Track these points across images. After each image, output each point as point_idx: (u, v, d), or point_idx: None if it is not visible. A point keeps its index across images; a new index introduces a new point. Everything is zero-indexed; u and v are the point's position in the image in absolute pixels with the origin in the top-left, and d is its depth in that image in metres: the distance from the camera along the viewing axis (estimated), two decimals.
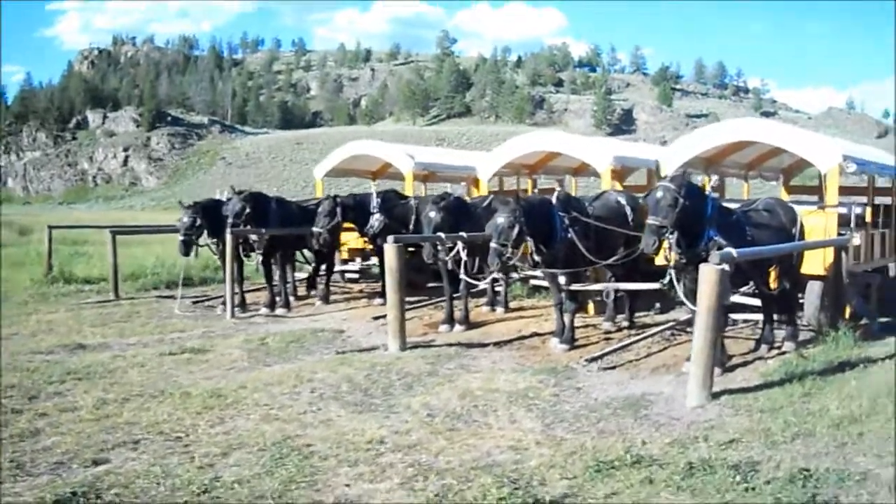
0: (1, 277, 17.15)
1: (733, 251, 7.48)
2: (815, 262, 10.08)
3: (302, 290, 16.05)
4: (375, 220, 13.32)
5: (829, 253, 10.03)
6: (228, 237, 12.95)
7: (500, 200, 9.70)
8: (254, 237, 13.44)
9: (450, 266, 11.32)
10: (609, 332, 10.98)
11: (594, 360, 9.11)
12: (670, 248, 8.30)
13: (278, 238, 13.71)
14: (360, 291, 16.11)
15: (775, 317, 9.89)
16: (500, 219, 9.42)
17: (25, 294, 16.15)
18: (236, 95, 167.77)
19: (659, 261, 9.22)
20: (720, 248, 8.04)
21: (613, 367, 9.06)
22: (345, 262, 16.79)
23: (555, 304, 10.34)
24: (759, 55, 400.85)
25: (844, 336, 9.38)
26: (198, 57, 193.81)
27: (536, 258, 10.07)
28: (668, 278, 8.67)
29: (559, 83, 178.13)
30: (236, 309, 13.75)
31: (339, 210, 13.25)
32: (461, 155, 20.31)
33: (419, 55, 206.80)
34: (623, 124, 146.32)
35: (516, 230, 9.32)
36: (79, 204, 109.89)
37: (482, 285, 11.38)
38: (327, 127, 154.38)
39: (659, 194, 8.09)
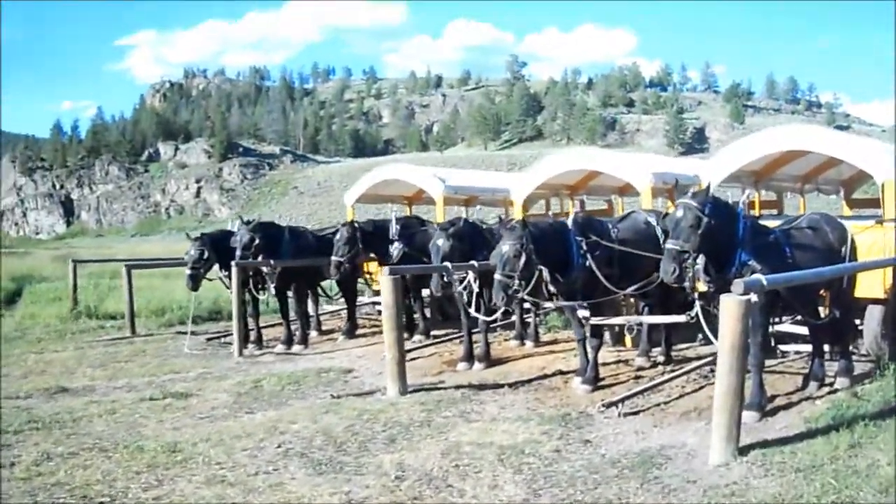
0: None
1: (762, 278, 6.25)
2: (872, 284, 8.74)
3: (330, 324, 15.16)
4: (394, 249, 12.30)
5: (889, 273, 8.67)
6: (234, 270, 12.12)
7: (505, 226, 8.62)
8: (266, 269, 12.56)
9: (465, 298, 10.25)
10: (642, 369, 9.75)
11: (614, 404, 7.89)
12: (696, 277, 7.11)
13: (292, 270, 12.80)
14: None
15: (827, 349, 8.57)
16: (505, 247, 8.32)
17: (43, 330, 15.61)
18: (308, 125, 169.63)
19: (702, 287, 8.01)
20: (755, 273, 6.86)
21: (637, 413, 7.83)
22: (376, 293, 15.81)
23: (577, 340, 9.19)
24: (831, 69, 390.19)
25: None
26: (269, 87, 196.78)
27: (552, 289, 8.95)
28: (694, 310, 7.48)
29: (630, 103, 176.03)
30: (251, 346, 13.02)
31: (358, 237, 12.26)
32: (499, 177, 19.23)
33: (490, 80, 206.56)
34: (695, 143, 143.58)
35: (523, 259, 8.20)
36: (152, 235, 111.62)
37: (486, 320, 10.19)
38: (399, 154, 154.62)
39: (679, 214, 6.93)
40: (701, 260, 7.04)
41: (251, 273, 12.70)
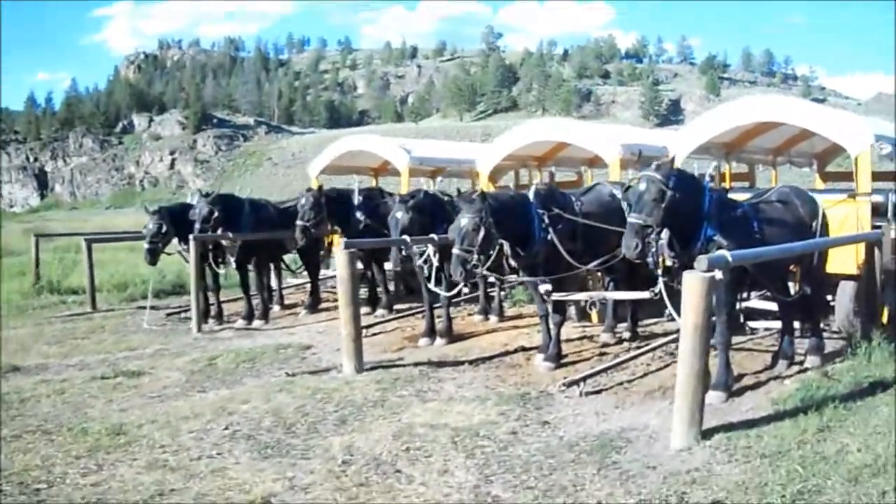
0: None
1: (727, 254, 5.99)
2: (845, 260, 8.54)
3: (294, 298, 14.85)
4: (356, 220, 11.99)
5: (862, 249, 8.46)
6: (192, 244, 11.76)
7: (464, 199, 8.32)
8: (226, 243, 12.21)
9: (425, 273, 9.97)
10: (607, 345, 9.52)
11: (575, 383, 7.64)
12: (657, 252, 6.86)
13: (253, 243, 12.45)
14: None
15: (798, 326, 8.37)
16: (463, 220, 8.02)
17: (3, 306, 15.17)
18: (283, 96, 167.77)
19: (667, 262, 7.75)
20: (721, 249, 6.62)
21: (599, 392, 7.58)
22: None
23: (539, 316, 8.94)
24: (807, 42, 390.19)
25: (879, 348, 7.78)
26: (244, 59, 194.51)
27: (513, 263, 8.68)
28: (658, 287, 7.23)
29: (606, 75, 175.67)
30: (211, 321, 12.72)
31: (323, 203, 11.89)
32: (466, 148, 18.86)
33: (465, 51, 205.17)
34: (671, 115, 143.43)
35: (482, 233, 7.90)
36: (126, 208, 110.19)
37: (446, 295, 9.92)
38: (374, 125, 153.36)
39: (642, 186, 6.65)
40: (665, 235, 6.79)
41: (210, 247, 12.33)
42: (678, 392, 5.82)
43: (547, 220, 8.33)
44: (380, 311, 12.45)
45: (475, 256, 7.94)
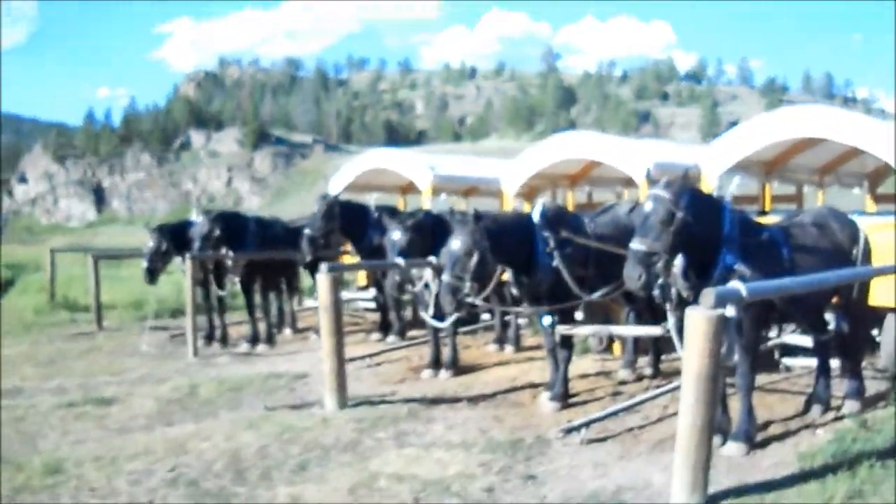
0: None
1: (741, 287, 5.03)
2: (892, 291, 7.53)
3: (312, 321, 14.12)
4: (370, 239, 11.18)
5: None
6: (188, 263, 11.12)
7: (456, 219, 7.46)
8: (229, 263, 11.53)
9: (425, 299, 9.13)
10: (624, 383, 8.58)
11: (576, 429, 6.71)
12: (664, 283, 5.95)
13: (259, 263, 11.76)
14: (375, 323, 13.91)
15: (837, 365, 7.37)
16: (454, 243, 7.18)
17: (13, 323, 14.75)
18: (341, 115, 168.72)
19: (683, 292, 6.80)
20: (743, 279, 5.68)
21: (604, 439, 6.65)
22: (361, 289, 14.75)
23: (547, 350, 8.04)
24: (868, 63, 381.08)
25: None
26: (303, 77, 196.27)
27: (514, 292, 7.81)
28: (670, 322, 6.29)
29: (665, 96, 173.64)
30: (216, 344, 12.10)
31: (337, 212, 11.09)
32: (499, 165, 17.99)
33: (524, 72, 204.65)
34: None
35: (475, 258, 7.06)
36: None
37: (437, 325, 9.00)
38: (432, 144, 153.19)
39: (648, 208, 5.75)
40: (679, 263, 5.86)
41: (211, 267, 11.68)
42: (678, 449, 4.89)
43: (552, 244, 7.46)
44: (391, 338, 11.66)
45: (467, 284, 7.10)
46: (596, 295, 7.74)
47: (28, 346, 12.43)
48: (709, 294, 4.71)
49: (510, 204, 12.60)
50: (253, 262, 11.64)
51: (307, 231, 10.90)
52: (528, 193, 14.12)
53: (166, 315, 15.19)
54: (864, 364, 7.52)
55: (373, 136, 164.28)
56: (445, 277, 7.14)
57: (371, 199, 12.00)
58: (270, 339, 11.98)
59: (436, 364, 9.46)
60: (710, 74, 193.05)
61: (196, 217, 11.87)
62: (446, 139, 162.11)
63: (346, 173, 15.21)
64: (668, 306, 6.10)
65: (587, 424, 6.72)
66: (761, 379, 7.67)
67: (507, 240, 7.33)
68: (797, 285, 5.70)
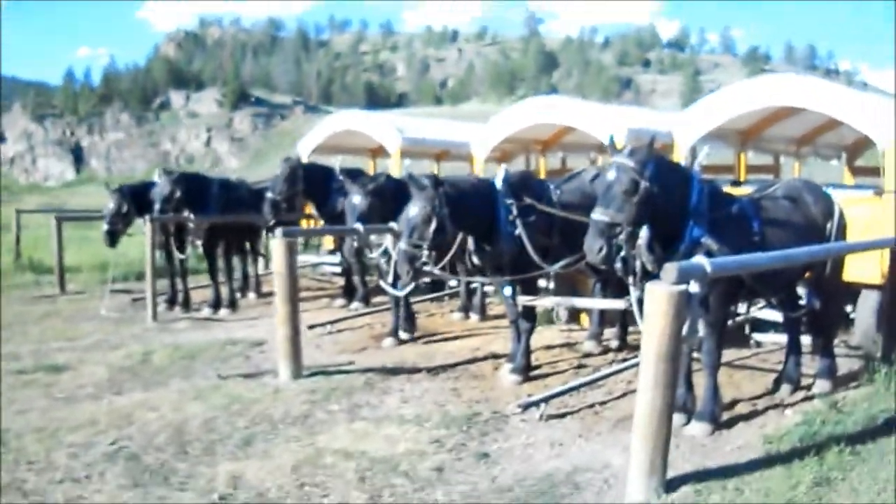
0: None
1: (705, 262, 4.78)
2: (867, 267, 7.33)
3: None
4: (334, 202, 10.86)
5: (887, 254, 7.23)
6: (147, 226, 10.78)
7: (414, 184, 7.16)
8: (191, 225, 11.19)
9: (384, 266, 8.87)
10: (589, 356, 8.36)
11: (533, 405, 6.49)
12: (624, 255, 5.68)
13: (221, 226, 11.42)
14: (341, 288, 13.60)
15: (808, 342, 7.18)
16: (412, 209, 6.89)
17: None
18: (321, 76, 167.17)
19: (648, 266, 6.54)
20: (710, 253, 5.45)
21: (563, 416, 6.43)
22: (330, 252, 14.43)
23: (510, 322, 7.79)
24: (851, 35, 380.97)
25: None
26: (284, 38, 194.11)
27: (476, 261, 7.55)
28: (633, 296, 6.04)
29: (647, 63, 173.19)
30: (178, 308, 11.79)
31: (300, 175, 10.77)
32: (473, 128, 17.60)
33: (506, 36, 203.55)
34: None
35: (434, 224, 6.77)
36: None
37: (395, 294, 8.75)
38: (413, 107, 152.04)
39: (611, 176, 5.47)
40: (644, 234, 5.60)
41: (172, 229, 11.34)
42: (635, 434, 4.65)
43: (515, 212, 7.18)
44: (354, 304, 11.37)
45: (425, 252, 6.83)
46: (558, 266, 7.48)
47: (6, 308, 12.05)
48: (670, 269, 4.45)
49: (481, 168, 12.28)
50: (215, 226, 11.30)
51: (269, 194, 10.61)
52: (501, 158, 13.79)
53: (133, 278, 14.79)
54: (836, 342, 7.33)
55: (353, 97, 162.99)
56: (402, 245, 6.87)
57: (336, 162, 11.65)
58: (233, 305, 11.69)
59: (396, 332, 9.22)
60: (693, 43, 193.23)
61: (158, 178, 11.47)
62: (427, 102, 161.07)
63: (315, 135, 14.86)
64: (630, 280, 5.83)
65: (546, 400, 6.49)
66: (730, 355, 7.49)
67: (468, 206, 7.05)
68: (765, 261, 5.46)
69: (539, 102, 11.58)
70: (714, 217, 5.76)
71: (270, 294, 12.59)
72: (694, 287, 4.79)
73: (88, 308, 12.16)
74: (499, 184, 7.37)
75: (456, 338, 9.43)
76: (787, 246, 5.85)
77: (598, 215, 5.38)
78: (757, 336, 8.38)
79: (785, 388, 6.83)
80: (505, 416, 6.38)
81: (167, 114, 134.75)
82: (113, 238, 11.49)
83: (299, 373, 7.54)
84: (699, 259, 4.89)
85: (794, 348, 6.91)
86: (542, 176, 11.99)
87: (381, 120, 14.13)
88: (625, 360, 7.73)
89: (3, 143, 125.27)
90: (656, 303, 4.47)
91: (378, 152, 15.57)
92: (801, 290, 7.10)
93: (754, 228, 6.01)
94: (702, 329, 5.78)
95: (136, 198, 11.47)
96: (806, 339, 7.16)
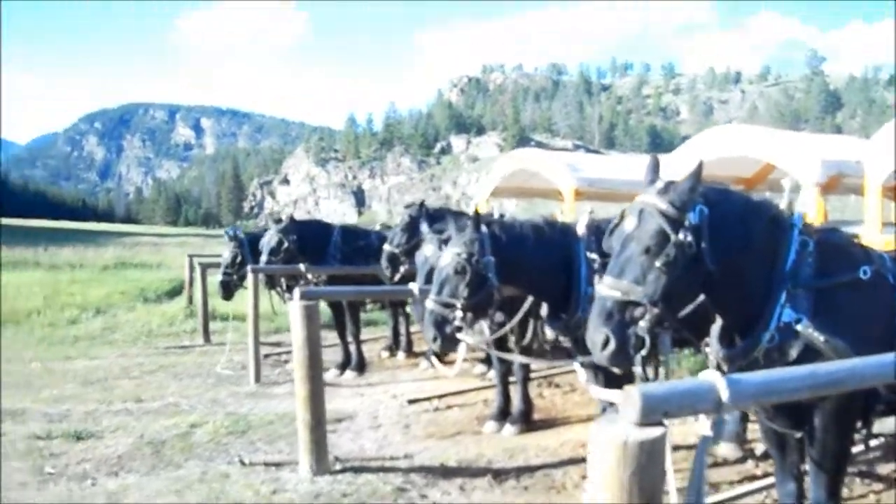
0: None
1: (720, 384, 2.59)
2: None
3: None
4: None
5: None
6: (249, 276, 9.82)
7: (455, 223, 5.43)
8: (311, 277, 9.98)
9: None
10: (734, 463, 6.10)
11: None
12: (657, 349, 3.57)
13: (342, 279, 10.11)
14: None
15: None
16: (445, 258, 5.25)
17: (138, 329, 14.16)
18: (603, 120, 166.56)
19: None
20: (810, 348, 3.40)
21: None
22: None
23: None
24: None
25: None
26: (566, 82, 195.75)
27: (549, 333, 5.66)
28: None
29: None
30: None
31: (423, 223, 9.25)
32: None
33: (789, 76, 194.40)
34: None
35: (468, 276, 5.10)
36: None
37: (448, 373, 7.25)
38: None
39: (629, 225, 3.49)
40: (716, 328, 3.57)
41: (283, 281, 10.26)
42: None
43: (599, 266, 5.24)
44: (486, 372, 9.65)
45: (458, 313, 5.10)
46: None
47: (115, 359, 11.56)
48: (628, 398, 2.40)
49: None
50: (336, 278, 10.01)
51: (386, 247, 9.21)
52: None
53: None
54: None
55: (636, 141, 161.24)
56: (429, 303, 5.24)
57: (500, 206, 10.06)
58: (361, 367, 10.33)
59: (502, 415, 7.41)
60: None
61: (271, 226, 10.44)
62: None
63: (493, 175, 13.25)
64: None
65: None
66: None
67: (527, 257, 5.35)
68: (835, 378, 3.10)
69: (727, 131, 9.25)
70: (825, 288, 3.56)
71: (422, 354, 11.18)
72: (704, 429, 2.66)
73: (210, 363, 11.14)
74: (581, 231, 5.50)
75: (576, 425, 7.42)
76: None
77: (606, 289, 3.39)
78: None
79: None
80: None
81: (448, 157, 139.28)
82: (227, 289, 10.70)
83: (324, 467, 5.97)
84: (708, 375, 2.71)
85: None
86: None
87: (554, 157, 12.29)
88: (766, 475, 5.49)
89: (287, 186, 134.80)
90: (604, 459, 2.42)
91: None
92: None
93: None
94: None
95: (253, 247, 10.53)
96: None
